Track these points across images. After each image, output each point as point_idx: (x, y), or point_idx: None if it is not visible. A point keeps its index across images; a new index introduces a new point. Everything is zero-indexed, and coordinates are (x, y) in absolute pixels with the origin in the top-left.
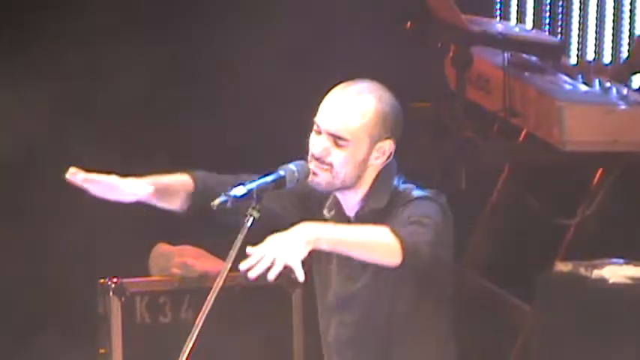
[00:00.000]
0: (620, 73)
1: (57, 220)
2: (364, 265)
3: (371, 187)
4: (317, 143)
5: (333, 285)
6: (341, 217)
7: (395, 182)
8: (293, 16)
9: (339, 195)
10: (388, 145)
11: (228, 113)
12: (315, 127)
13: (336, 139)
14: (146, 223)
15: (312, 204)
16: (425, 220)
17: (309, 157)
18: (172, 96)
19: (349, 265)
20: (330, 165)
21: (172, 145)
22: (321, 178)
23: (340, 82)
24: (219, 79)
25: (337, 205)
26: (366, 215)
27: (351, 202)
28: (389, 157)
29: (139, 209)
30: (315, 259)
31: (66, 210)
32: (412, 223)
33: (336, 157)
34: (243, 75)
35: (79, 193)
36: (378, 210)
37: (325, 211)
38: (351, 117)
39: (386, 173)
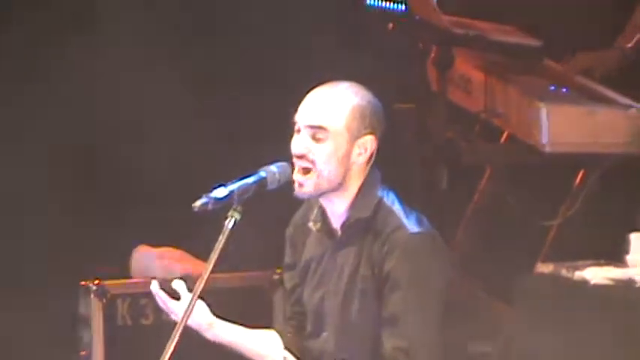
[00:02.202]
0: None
1: (37, 220)
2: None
3: (356, 195)
4: (297, 141)
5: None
6: (327, 230)
7: (380, 192)
8: (268, 21)
9: (325, 203)
10: (370, 141)
11: (206, 125)
12: (295, 127)
13: (315, 133)
14: (127, 225)
15: (297, 236)
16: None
17: (293, 161)
18: None
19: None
20: (313, 163)
21: None
22: (307, 186)
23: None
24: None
25: (323, 216)
26: (352, 226)
27: (337, 210)
28: (372, 155)
29: (120, 211)
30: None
31: (45, 211)
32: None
33: (318, 153)
34: (221, 85)
35: (54, 191)
36: (363, 220)
37: (311, 224)
38: (329, 109)
39: (370, 180)
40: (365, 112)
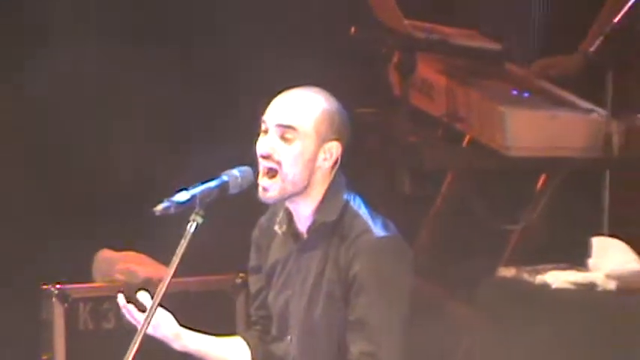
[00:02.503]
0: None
1: None
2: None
3: (322, 199)
4: (264, 142)
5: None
6: (293, 233)
7: (346, 196)
8: (230, 23)
9: (291, 207)
10: (335, 147)
11: (169, 128)
12: (262, 127)
13: (284, 132)
14: (89, 229)
15: (263, 240)
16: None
17: (259, 162)
18: None
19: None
20: (279, 164)
21: None
22: (272, 190)
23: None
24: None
25: (289, 219)
26: (318, 229)
27: (303, 213)
28: (336, 161)
29: (82, 215)
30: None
31: (8, 214)
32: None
33: (284, 154)
34: (183, 89)
35: (16, 194)
36: (329, 223)
37: (277, 227)
38: (300, 109)
39: (336, 185)
40: (334, 117)
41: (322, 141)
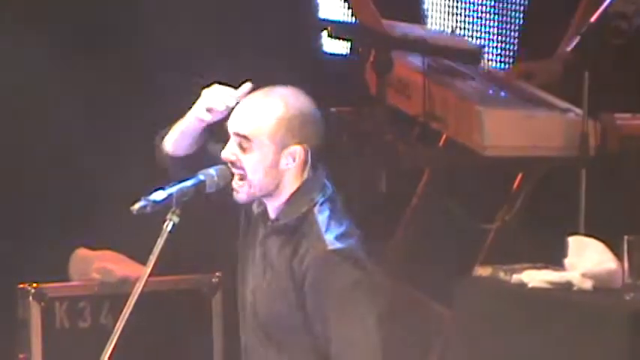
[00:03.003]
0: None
1: None
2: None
3: (287, 199)
4: (227, 148)
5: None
6: (263, 218)
7: (317, 197)
8: (200, 21)
9: (264, 198)
10: (298, 152)
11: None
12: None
13: (241, 142)
14: (66, 227)
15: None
16: None
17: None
18: None
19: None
20: (244, 170)
21: None
22: (241, 193)
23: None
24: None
25: (264, 203)
26: (278, 228)
27: (272, 205)
28: (304, 163)
29: (59, 213)
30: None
31: None
32: None
33: (245, 162)
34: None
35: None
36: (288, 225)
37: (254, 205)
38: (253, 120)
39: (306, 185)
40: (292, 123)
41: (281, 147)
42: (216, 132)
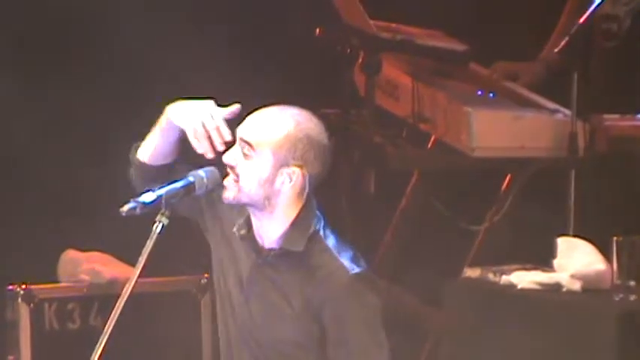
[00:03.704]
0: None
1: None
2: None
3: (290, 226)
4: (229, 152)
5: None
6: (253, 245)
7: (315, 224)
8: (190, 23)
9: (253, 219)
10: (296, 173)
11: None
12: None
13: (244, 147)
14: (55, 229)
15: (222, 215)
16: None
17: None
18: None
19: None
20: (238, 176)
21: None
22: (229, 191)
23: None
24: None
25: (248, 226)
26: (282, 256)
27: (267, 233)
28: (302, 188)
29: (48, 215)
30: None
31: None
32: None
33: (243, 168)
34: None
35: None
36: (295, 254)
37: (235, 229)
38: (262, 129)
39: (305, 212)
40: (298, 143)
41: (280, 164)
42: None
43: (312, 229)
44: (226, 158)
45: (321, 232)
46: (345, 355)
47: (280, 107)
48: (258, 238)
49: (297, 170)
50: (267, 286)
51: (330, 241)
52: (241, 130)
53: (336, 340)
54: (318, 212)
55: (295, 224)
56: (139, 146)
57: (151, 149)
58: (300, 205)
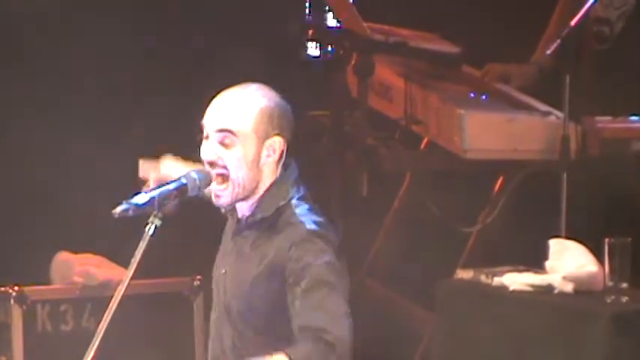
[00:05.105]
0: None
1: None
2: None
3: (263, 194)
4: (206, 149)
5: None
6: (233, 213)
7: (291, 193)
8: (182, 22)
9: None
10: (278, 143)
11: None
12: (203, 134)
13: (224, 138)
14: (47, 230)
15: None
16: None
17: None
18: None
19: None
20: (226, 168)
21: None
22: (224, 197)
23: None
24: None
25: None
26: (254, 222)
27: (244, 206)
28: (281, 155)
29: (40, 217)
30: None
31: None
32: (313, 340)
33: (228, 159)
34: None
35: None
36: (265, 218)
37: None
38: (236, 112)
39: (280, 181)
40: (272, 113)
41: (263, 139)
42: None
43: (285, 198)
44: (206, 155)
45: (295, 201)
46: (302, 294)
47: (239, 86)
48: (238, 211)
49: (278, 139)
50: (237, 254)
51: (301, 208)
52: (213, 121)
53: (294, 283)
54: (299, 184)
55: (269, 192)
56: None
57: None
58: (276, 174)
